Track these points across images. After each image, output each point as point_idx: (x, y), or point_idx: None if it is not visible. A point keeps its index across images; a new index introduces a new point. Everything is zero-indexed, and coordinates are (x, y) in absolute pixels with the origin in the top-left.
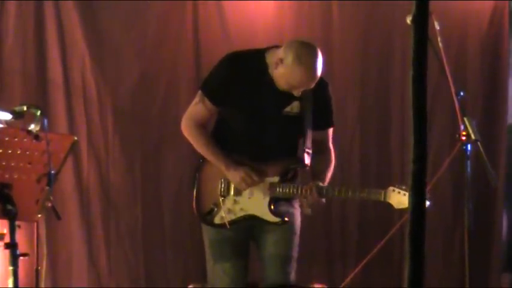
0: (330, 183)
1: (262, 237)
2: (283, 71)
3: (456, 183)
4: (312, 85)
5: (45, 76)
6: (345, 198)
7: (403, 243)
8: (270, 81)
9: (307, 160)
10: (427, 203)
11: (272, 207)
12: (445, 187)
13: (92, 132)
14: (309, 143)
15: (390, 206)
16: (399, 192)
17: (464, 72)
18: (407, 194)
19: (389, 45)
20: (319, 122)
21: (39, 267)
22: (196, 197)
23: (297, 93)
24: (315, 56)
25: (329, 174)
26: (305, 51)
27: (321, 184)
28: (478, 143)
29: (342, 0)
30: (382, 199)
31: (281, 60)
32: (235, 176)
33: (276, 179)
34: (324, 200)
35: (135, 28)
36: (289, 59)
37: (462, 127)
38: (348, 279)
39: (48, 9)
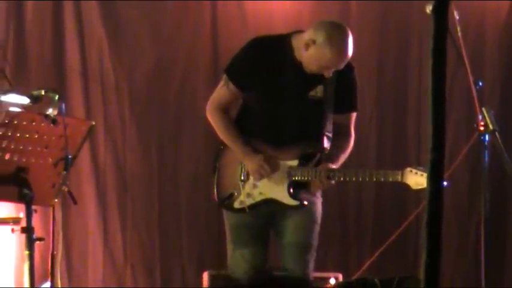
0: (344, 166)
1: (282, 224)
2: (314, 52)
3: (473, 172)
4: (342, 65)
5: (63, 61)
6: (361, 181)
7: (419, 231)
8: (295, 65)
9: (327, 144)
10: (444, 183)
11: (291, 190)
12: (462, 176)
13: (108, 117)
14: (329, 126)
15: (407, 186)
16: (416, 173)
17: (482, 62)
18: (424, 174)
19: (406, 35)
20: (341, 105)
21: (55, 252)
22: (216, 182)
23: (327, 74)
24: (346, 36)
25: (342, 158)
26: (336, 32)
27: (330, 166)
28: (496, 133)
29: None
30: (400, 180)
31: (313, 41)
32: (250, 166)
33: (295, 162)
34: (333, 182)
35: (152, 14)
36: (320, 39)
37: (480, 117)
38: (362, 268)
39: None
